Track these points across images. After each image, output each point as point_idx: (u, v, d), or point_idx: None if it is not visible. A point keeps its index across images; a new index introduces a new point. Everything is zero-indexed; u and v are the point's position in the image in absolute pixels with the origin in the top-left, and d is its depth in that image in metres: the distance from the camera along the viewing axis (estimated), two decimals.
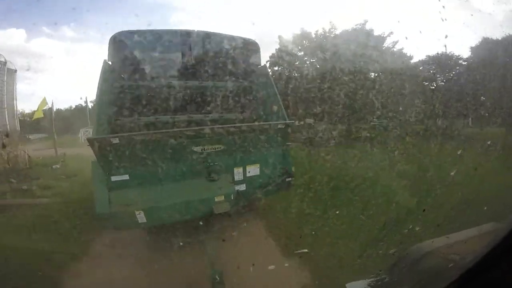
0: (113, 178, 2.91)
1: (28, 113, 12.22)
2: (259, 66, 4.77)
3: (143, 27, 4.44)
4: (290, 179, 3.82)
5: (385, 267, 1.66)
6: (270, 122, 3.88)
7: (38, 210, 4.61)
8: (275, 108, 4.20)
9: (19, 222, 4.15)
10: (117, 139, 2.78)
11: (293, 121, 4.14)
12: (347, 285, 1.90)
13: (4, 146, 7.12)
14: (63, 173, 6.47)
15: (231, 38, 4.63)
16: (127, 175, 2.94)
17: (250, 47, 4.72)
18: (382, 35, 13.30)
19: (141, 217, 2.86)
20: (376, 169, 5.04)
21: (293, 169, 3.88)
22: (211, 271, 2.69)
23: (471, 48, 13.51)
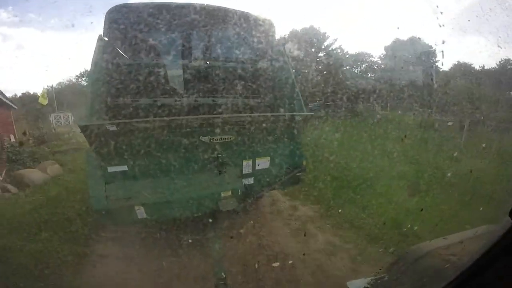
0: (110, 169, 2.64)
1: None
2: (275, 47, 4.22)
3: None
4: (300, 173, 3.55)
5: (385, 266, 1.70)
6: (288, 114, 3.52)
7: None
8: (291, 96, 3.78)
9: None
10: (115, 126, 2.46)
11: (312, 113, 3.73)
12: (348, 283, 1.95)
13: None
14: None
15: (244, 14, 4.02)
16: (126, 166, 2.67)
17: (265, 25, 4.15)
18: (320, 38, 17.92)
19: (140, 212, 2.66)
20: None
21: (304, 163, 3.58)
22: (215, 271, 2.65)
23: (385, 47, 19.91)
